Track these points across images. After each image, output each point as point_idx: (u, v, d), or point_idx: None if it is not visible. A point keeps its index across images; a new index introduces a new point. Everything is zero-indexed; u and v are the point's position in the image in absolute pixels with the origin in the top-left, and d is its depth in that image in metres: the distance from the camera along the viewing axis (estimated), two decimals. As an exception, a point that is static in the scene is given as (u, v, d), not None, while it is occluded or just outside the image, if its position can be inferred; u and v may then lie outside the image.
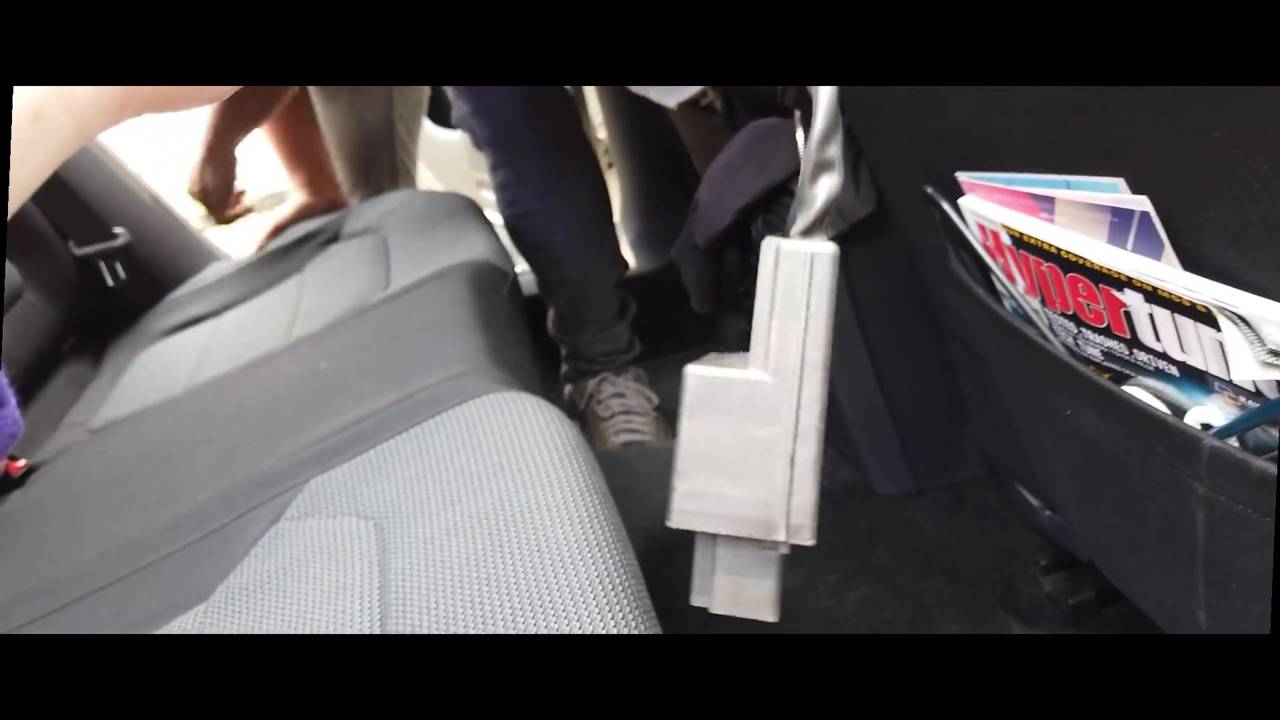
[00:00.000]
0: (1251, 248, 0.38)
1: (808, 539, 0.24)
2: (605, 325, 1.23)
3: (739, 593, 0.25)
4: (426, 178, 2.06)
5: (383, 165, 1.53)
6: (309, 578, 0.56)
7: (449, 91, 1.18)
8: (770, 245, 0.24)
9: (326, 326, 0.96)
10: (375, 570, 0.54)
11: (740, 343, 1.08)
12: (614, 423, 1.22)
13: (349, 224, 1.28)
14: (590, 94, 1.66)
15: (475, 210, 1.17)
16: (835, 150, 0.25)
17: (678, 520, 0.26)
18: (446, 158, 1.98)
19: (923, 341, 0.81)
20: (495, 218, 1.83)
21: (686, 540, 0.89)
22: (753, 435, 0.24)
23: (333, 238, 1.28)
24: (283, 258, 1.29)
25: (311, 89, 1.50)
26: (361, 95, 1.49)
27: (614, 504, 0.55)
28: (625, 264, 1.26)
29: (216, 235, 1.52)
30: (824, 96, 0.25)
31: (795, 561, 0.89)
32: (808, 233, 0.25)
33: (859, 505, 0.89)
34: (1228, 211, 0.38)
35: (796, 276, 0.24)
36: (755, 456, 0.24)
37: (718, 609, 0.25)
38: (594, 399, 1.25)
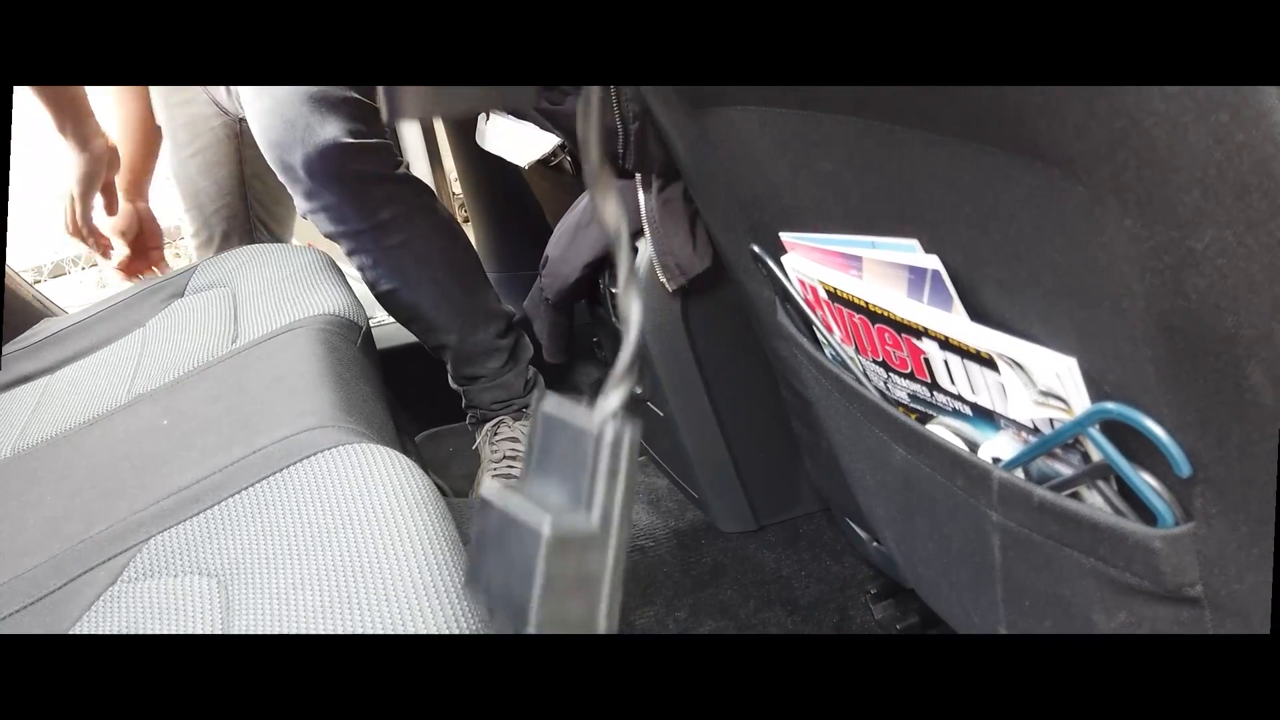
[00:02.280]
0: (1022, 301, 0.44)
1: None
2: (494, 376, 1.25)
3: None
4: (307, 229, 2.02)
5: (235, 221, 1.50)
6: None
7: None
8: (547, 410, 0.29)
9: (170, 383, 0.93)
10: (219, 628, 0.54)
11: (594, 391, 1.11)
12: (496, 466, 1.24)
13: (195, 279, 1.25)
14: (445, 149, 1.68)
15: (328, 263, 1.16)
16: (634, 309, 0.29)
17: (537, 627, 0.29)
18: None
19: (759, 387, 0.86)
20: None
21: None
22: (583, 569, 0.28)
23: (178, 293, 1.25)
24: (122, 313, 1.24)
25: (166, 137, 1.47)
26: (211, 150, 1.47)
27: (464, 551, 0.56)
28: (507, 314, 1.28)
29: (50, 289, 1.45)
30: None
31: (646, 600, 0.91)
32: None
33: (705, 544, 0.93)
34: (1003, 270, 0.44)
35: (600, 440, 0.29)
36: (579, 585, 0.28)
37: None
38: (488, 442, 1.27)
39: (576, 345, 1.24)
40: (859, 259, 0.53)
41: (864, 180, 0.50)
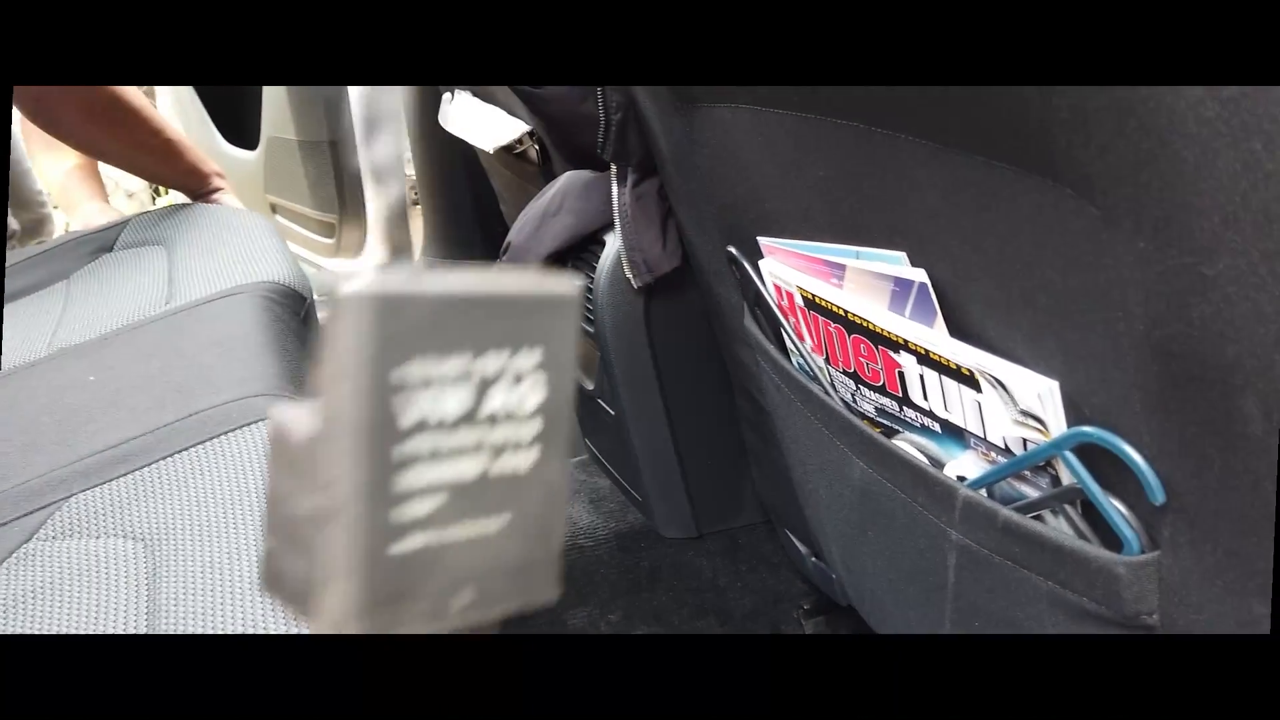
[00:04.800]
0: (1009, 320, 0.44)
1: (351, 627, 0.19)
2: None
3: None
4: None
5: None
6: (64, 601, 0.51)
7: None
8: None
9: (97, 339, 0.88)
10: (143, 595, 0.51)
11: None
12: None
13: (125, 235, 1.20)
14: (401, 131, 1.65)
15: (271, 231, 1.12)
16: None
17: (261, 584, 0.21)
18: (241, 177, 1.89)
19: (712, 393, 0.85)
20: (292, 227, 1.76)
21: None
22: (301, 502, 0.19)
23: (105, 247, 1.19)
24: (44, 264, 1.18)
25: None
26: None
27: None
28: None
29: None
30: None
31: (580, 601, 0.90)
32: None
33: (644, 547, 0.92)
34: (992, 287, 0.44)
35: (334, 321, 0.19)
36: (303, 531, 0.19)
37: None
38: None
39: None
40: (842, 267, 0.52)
41: (856, 188, 0.50)
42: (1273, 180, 0.28)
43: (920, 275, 0.47)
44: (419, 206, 1.66)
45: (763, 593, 0.91)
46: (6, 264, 1.19)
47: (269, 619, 0.46)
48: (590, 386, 0.91)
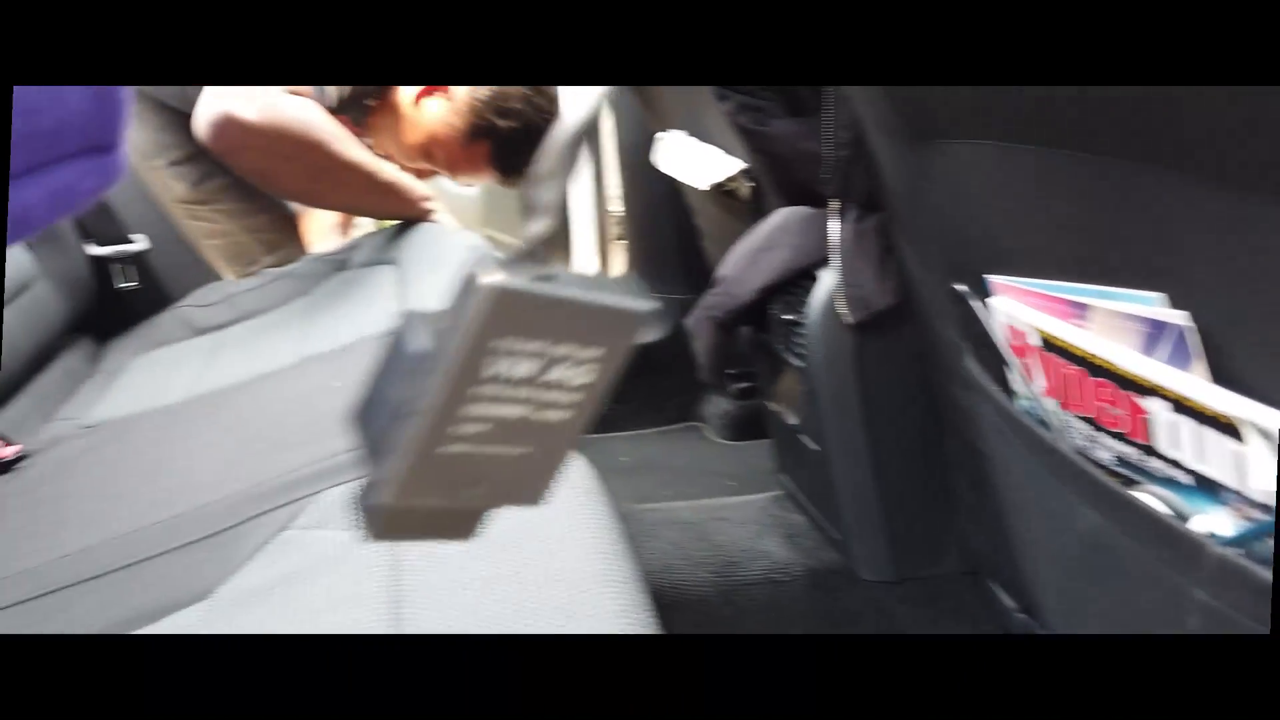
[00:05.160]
0: (1280, 368, 0.41)
1: (384, 496, 0.26)
2: None
3: (360, 510, 0.28)
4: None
5: None
6: (318, 586, 0.56)
7: None
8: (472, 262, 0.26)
9: (339, 349, 0.97)
10: (388, 584, 0.55)
11: (722, 425, 1.10)
12: None
13: (358, 254, 1.30)
14: (610, 167, 1.71)
15: (489, 249, 1.19)
16: (549, 195, 0.28)
17: (348, 415, 0.28)
18: (462, 212, 2.02)
19: (921, 435, 0.84)
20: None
21: (671, 603, 0.89)
22: (401, 389, 0.26)
23: (341, 265, 1.30)
24: (288, 282, 1.30)
25: None
26: None
27: (630, 546, 0.56)
28: None
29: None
30: (553, 141, 0.28)
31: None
32: (518, 260, 0.27)
33: (840, 588, 0.91)
34: (1268, 333, 0.41)
35: (460, 290, 0.26)
36: (393, 406, 0.26)
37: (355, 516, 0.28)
38: None
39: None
40: (1086, 308, 0.51)
41: (1109, 227, 0.48)
42: None
43: (1182, 318, 0.44)
44: (622, 242, 1.72)
45: (963, 646, 0.87)
46: (257, 284, 1.32)
47: (504, 613, 0.48)
48: (794, 421, 0.91)
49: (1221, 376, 0.44)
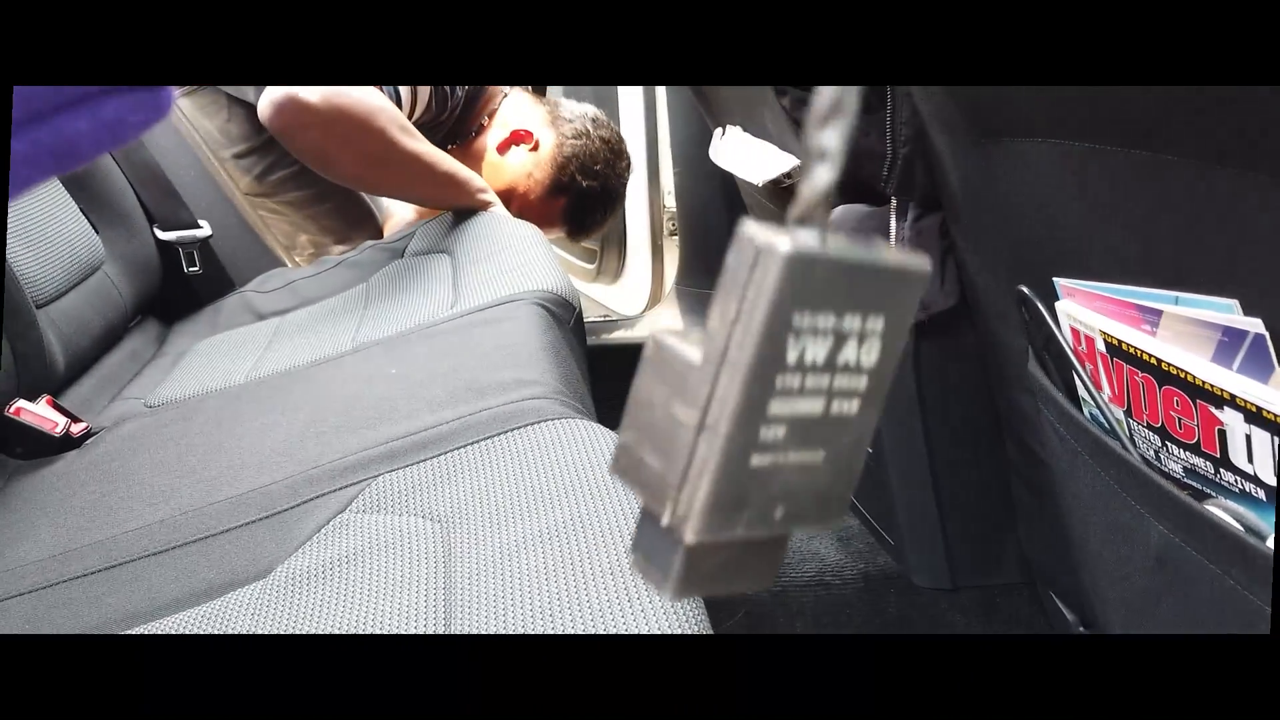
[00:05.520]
0: (1362, 381, 0.40)
1: (688, 536, 0.22)
2: None
3: (647, 564, 0.24)
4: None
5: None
6: (372, 569, 0.57)
7: None
8: (741, 226, 0.23)
9: (394, 335, 0.98)
10: (440, 571, 0.55)
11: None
12: None
13: (414, 243, 1.31)
14: (665, 163, 1.71)
15: (542, 241, 1.20)
16: (834, 140, 0.23)
17: (613, 468, 0.25)
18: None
19: (980, 441, 0.82)
20: (558, 252, 1.86)
21: (721, 602, 0.88)
22: (673, 412, 0.23)
23: (397, 254, 1.31)
24: (346, 269, 1.32)
25: None
26: None
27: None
28: None
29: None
30: (829, 90, 0.23)
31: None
32: (798, 222, 0.23)
33: (893, 594, 0.89)
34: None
35: (741, 265, 0.21)
36: (669, 434, 0.23)
37: (632, 568, 0.24)
38: None
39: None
40: (1158, 313, 0.49)
41: (1183, 229, 0.46)
42: None
43: (1257, 325, 0.43)
44: (675, 237, 1.71)
45: (1017, 657, 0.85)
46: (316, 271, 1.34)
47: (554, 605, 0.48)
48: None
49: (1301, 388, 0.42)
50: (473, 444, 0.67)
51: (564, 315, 0.99)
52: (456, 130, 1.46)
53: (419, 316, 1.03)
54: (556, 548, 0.53)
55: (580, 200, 1.45)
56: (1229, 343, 0.45)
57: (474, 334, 0.89)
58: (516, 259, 1.11)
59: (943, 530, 0.85)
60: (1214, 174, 0.43)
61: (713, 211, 1.58)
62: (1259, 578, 0.47)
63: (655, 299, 1.79)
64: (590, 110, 1.49)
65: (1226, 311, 0.45)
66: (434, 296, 1.08)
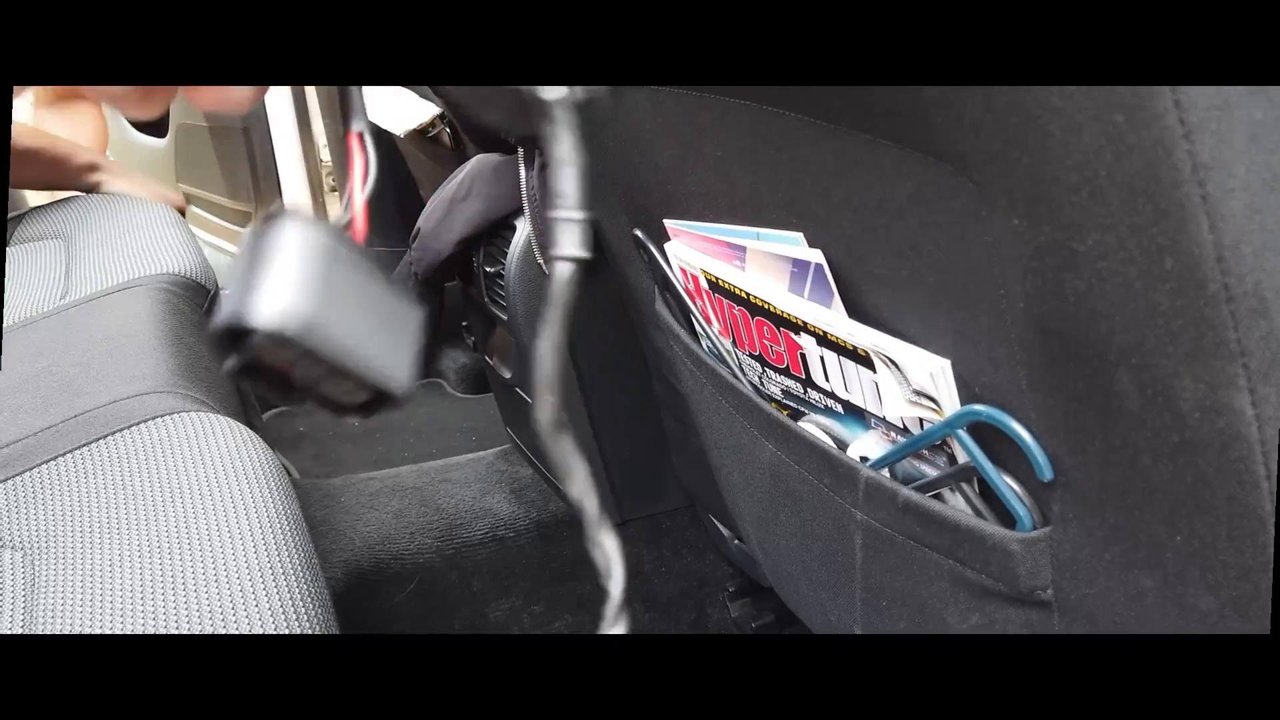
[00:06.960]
0: (901, 300, 0.44)
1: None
2: None
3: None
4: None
5: None
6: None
7: None
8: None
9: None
10: (19, 608, 0.48)
11: (460, 379, 1.07)
12: None
13: (22, 229, 1.15)
14: (315, 114, 1.60)
15: (176, 222, 1.09)
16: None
17: None
18: (151, 167, 1.83)
19: (630, 379, 0.84)
20: (200, 233, 1.70)
21: (392, 575, 0.86)
22: None
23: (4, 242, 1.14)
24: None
25: None
26: None
27: (307, 532, 0.53)
28: None
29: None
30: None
31: (503, 592, 0.89)
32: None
33: (566, 536, 0.91)
34: (883, 267, 0.43)
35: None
36: None
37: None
38: None
39: (446, 327, 1.20)
40: (743, 249, 0.52)
41: (753, 169, 0.49)
42: (1135, 154, 0.27)
43: (816, 256, 0.46)
44: (336, 193, 1.62)
45: (687, 577, 0.91)
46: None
47: (148, 628, 0.44)
48: (508, 375, 0.89)
49: (853, 309, 0.46)
50: (63, 455, 0.59)
51: (193, 298, 0.90)
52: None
53: (19, 312, 0.90)
54: (155, 562, 0.48)
55: None
56: (798, 273, 0.48)
57: (78, 328, 0.79)
58: (140, 243, 0.99)
59: (605, 468, 0.88)
60: (768, 115, 0.45)
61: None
62: (843, 481, 0.51)
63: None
64: None
65: (794, 244, 0.48)
66: (40, 289, 0.95)
